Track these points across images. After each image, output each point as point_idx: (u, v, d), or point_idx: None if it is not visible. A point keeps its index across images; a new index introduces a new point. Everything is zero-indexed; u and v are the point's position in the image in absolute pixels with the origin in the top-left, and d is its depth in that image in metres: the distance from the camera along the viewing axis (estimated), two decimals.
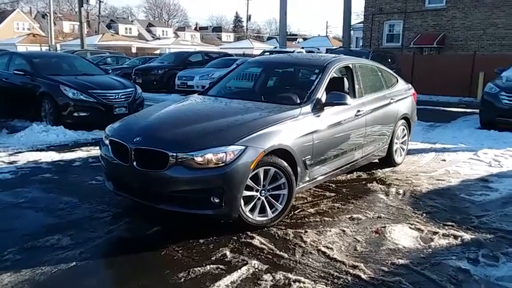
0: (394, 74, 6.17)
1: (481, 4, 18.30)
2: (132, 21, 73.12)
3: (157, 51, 41.47)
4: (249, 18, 64.95)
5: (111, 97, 8.24)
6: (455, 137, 8.16)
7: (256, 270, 3.10)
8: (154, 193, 3.63)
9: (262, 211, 3.80)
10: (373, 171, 5.72)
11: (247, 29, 67.45)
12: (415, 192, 4.92)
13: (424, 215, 4.21)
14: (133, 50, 39.22)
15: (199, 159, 3.44)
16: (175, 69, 16.32)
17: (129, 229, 3.77)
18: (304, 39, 70.44)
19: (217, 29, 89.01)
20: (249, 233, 3.70)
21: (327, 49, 19.10)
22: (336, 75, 4.82)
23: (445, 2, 19.20)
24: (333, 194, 4.77)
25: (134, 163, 3.62)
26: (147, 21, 77.81)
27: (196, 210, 3.57)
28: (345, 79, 4.92)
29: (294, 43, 67.34)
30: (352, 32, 27.91)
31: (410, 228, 3.89)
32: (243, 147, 3.52)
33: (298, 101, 4.38)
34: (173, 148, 3.49)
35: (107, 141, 4.03)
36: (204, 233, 3.66)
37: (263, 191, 3.77)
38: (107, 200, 4.46)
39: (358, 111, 4.85)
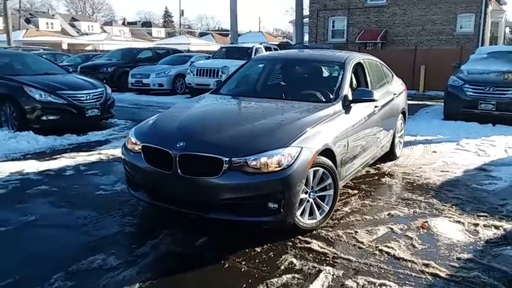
0: (390, 69, 6.29)
1: (419, 1, 19.35)
2: (53, 15, 68.51)
3: (89, 47, 39.35)
4: (182, 13, 63.59)
5: (82, 98, 7.62)
6: (429, 129, 8.50)
7: (335, 277, 2.98)
8: (204, 202, 3.37)
9: (310, 213, 3.67)
10: (377, 166, 5.78)
11: (180, 24, 66.13)
12: (430, 185, 5.03)
13: (454, 207, 4.31)
14: (64, 47, 36.84)
15: (256, 163, 3.24)
16: (126, 67, 15.52)
17: (174, 242, 3.46)
18: (238, 35, 69.48)
19: (147, 24, 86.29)
20: (300, 237, 3.56)
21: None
22: (352, 72, 4.79)
23: None
24: (355, 191, 4.74)
25: (179, 171, 3.33)
26: (70, 16, 73.24)
27: (252, 218, 3.36)
28: (361, 75, 4.91)
29: (228, 38, 67.08)
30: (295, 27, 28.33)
31: (450, 221, 3.96)
32: (299, 149, 3.37)
33: (327, 99, 4.30)
34: (227, 153, 3.26)
35: (137, 148, 3.68)
36: (255, 241, 3.47)
37: (311, 193, 3.64)
38: (127, 211, 4.10)
39: (375, 106, 4.86)
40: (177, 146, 3.37)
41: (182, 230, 3.66)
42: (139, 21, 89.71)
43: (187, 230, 3.66)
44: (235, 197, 3.29)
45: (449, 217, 4.05)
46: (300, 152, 3.35)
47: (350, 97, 4.35)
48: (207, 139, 3.43)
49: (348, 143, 4.14)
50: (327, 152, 3.71)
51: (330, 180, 3.72)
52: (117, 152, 6.26)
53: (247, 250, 3.34)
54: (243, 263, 3.16)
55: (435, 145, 7.11)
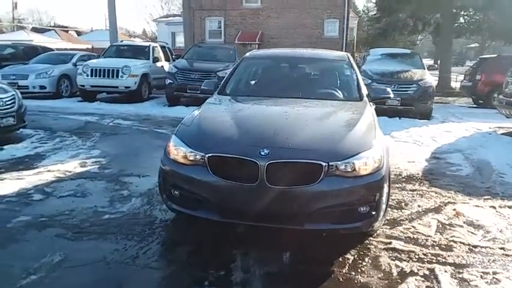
0: None
1: (290, 6, 20.52)
2: None
3: None
4: (15, 6, 55.92)
5: None
6: None
7: (449, 273, 3.00)
8: (299, 213, 3.04)
9: None
10: None
11: (13, 18, 58.04)
12: (415, 175, 5.39)
13: (459, 194, 4.70)
14: None
15: (353, 166, 3.06)
16: None
17: (259, 262, 3.04)
18: (78, 33, 63.70)
19: None
20: (372, 238, 3.49)
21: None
22: None
23: (260, 2, 20.80)
24: None
25: (266, 182, 2.94)
26: None
27: (345, 225, 3.15)
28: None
29: (70, 35, 61.19)
30: (167, 26, 27.47)
31: (470, 207, 4.32)
32: (382, 148, 3.28)
33: (353, 97, 4.30)
34: (324, 157, 3.00)
35: (188, 160, 3.14)
36: (331, 248, 3.29)
37: None
38: (165, 234, 3.52)
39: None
40: (262, 153, 2.97)
41: (252, 248, 3.23)
42: None
43: (259, 248, 3.25)
44: (331, 204, 3.05)
45: (466, 203, 4.41)
46: (383, 151, 3.28)
47: (369, 94, 4.41)
48: (296, 144, 3.09)
49: None
50: None
51: None
52: (71, 167, 5.28)
53: (340, 259, 3.14)
54: (353, 273, 2.96)
55: None
